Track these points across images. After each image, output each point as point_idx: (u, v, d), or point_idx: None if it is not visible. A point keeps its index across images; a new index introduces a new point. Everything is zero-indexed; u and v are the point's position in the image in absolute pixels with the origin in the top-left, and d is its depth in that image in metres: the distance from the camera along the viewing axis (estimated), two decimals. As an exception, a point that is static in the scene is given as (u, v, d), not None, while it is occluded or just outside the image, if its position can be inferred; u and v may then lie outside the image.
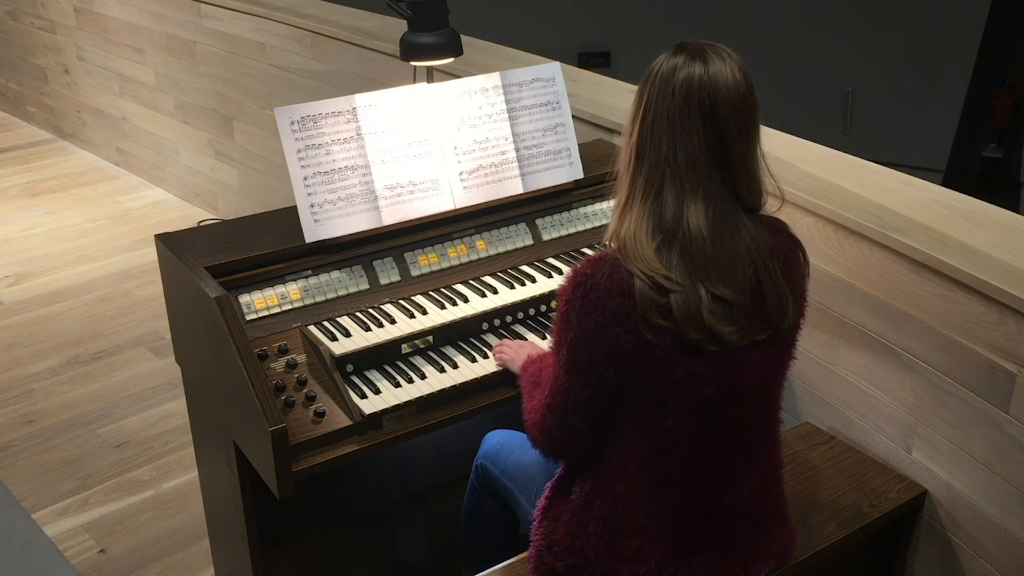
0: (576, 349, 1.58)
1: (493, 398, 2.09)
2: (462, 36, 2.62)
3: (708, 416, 1.61)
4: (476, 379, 2.07)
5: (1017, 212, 2.21)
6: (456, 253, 2.33)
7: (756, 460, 1.73)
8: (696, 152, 1.53)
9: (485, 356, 2.13)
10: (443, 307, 2.19)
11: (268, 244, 2.17)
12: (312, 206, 2.17)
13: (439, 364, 2.10)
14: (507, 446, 2.13)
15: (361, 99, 2.24)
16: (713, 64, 1.53)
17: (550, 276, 2.33)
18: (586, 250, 2.45)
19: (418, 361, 2.11)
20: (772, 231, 1.64)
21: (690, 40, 1.59)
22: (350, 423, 1.94)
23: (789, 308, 1.62)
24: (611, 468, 1.67)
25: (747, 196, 1.59)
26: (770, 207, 1.67)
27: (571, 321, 1.58)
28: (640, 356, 1.54)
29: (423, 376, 2.06)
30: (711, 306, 1.53)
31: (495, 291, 2.26)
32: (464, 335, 2.19)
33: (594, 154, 2.66)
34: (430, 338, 2.14)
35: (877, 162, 2.51)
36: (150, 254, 3.79)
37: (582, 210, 2.51)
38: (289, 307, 2.12)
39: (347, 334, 2.07)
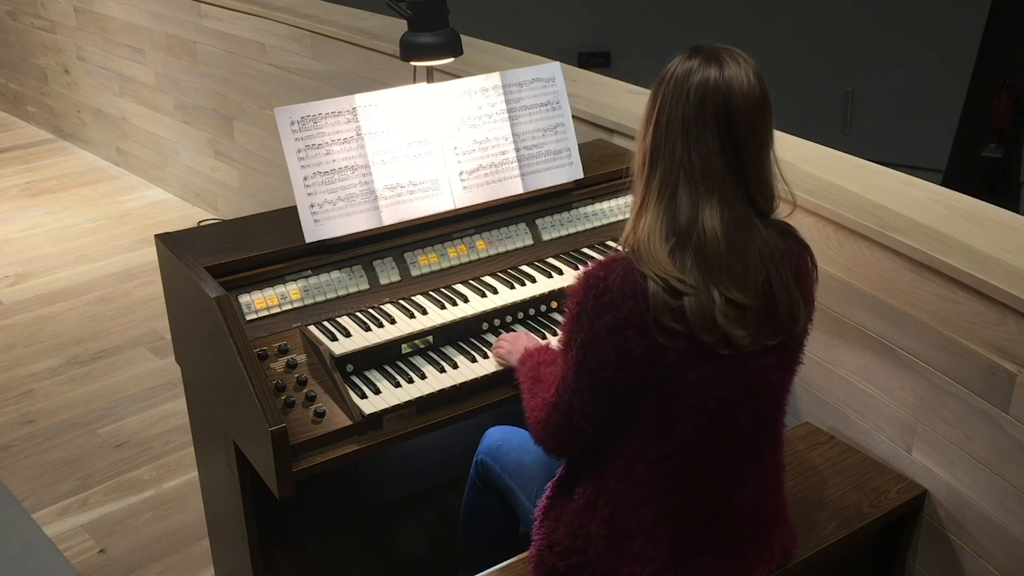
0: (586, 351, 1.58)
1: (493, 398, 2.09)
2: (462, 36, 2.62)
3: (717, 420, 1.61)
4: (476, 379, 2.07)
5: (1017, 212, 2.21)
6: (456, 253, 2.33)
7: (761, 463, 1.73)
8: (711, 155, 1.53)
9: (485, 356, 2.13)
10: (443, 307, 2.19)
11: (268, 244, 2.17)
12: (312, 206, 2.17)
13: (439, 364, 2.10)
14: (508, 442, 2.13)
15: (361, 99, 2.24)
16: (728, 68, 1.53)
17: (550, 276, 2.33)
18: (586, 250, 2.45)
19: (418, 361, 2.11)
20: (783, 235, 1.64)
21: (705, 43, 1.59)
22: (350, 423, 1.94)
23: (801, 313, 1.62)
24: (616, 469, 1.67)
25: (760, 200, 1.59)
26: (781, 212, 1.67)
27: (582, 323, 1.57)
28: (651, 359, 1.54)
29: (423, 376, 2.06)
30: (725, 309, 1.53)
31: (495, 291, 2.26)
32: (464, 335, 2.19)
33: (594, 154, 2.66)
34: (430, 338, 2.14)
35: (877, 162, 2.51)
36: (150, 254, 3.79)
37: (582, 210, 2.51)
38: (289, 307, 2.11)
39: (347, 334, 2.07)
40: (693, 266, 1.53)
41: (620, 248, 1.63)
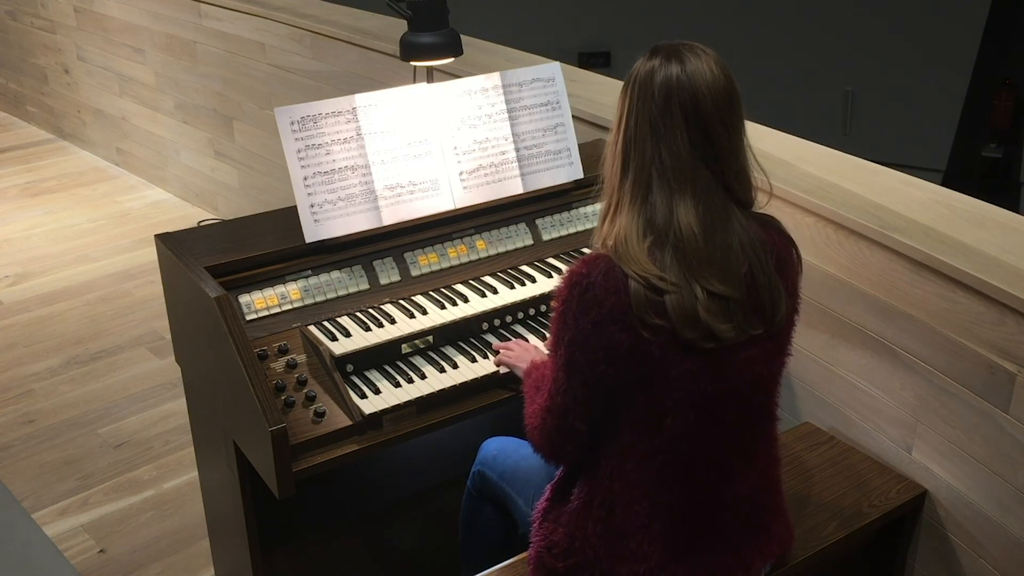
0: (573, 349, 1.58)
1: (493, 398, 2.09)
2: (462, 36, 2.62)
3: (706, 413, 1.61)
4: (476, 379, 2.07)
5: (1017, 212, 2.21)
6: (456, 253, 2.33)
7: (753, 457, 1.73)
8: (681, 151, 1.54)
9: (485, 356, 2.13)
10: (443, 307, 2.19)
11: (268, 244, 2.17)
12: (312, 206, 2.17)
13: (439, 364, 2.10)
14: (504, 451, 2.13)
15: (361, 99, 2.24)
16: (690, 63, 1.54)
17: (550, 276, 2.33)
18: (586, 250, 2.45)
19: (418, 361, 2.11)
20: (764, 227, 1.65)
21: (664, 42, 1.60)
22: (350, 423, 1.94)
23: (781, 300, 1.63)
24: (609, 467, 1.67)
25: (737, 188, 1.60)
26: (759, 202, 1.67)
27: (568, 321, 1.58)
28: (637, 354, 1.55)
29: (423, 376, 2.06)
30: (708, 304, 1.54)
31: (495, 291, 2.26)
32: (464, 335, 2.19)
33: (594, 154, 2.65)
34: (430, 338, 2.14)
35: (877, 162, 2.51)
36: (150, 254, 3.79)
37: (582, 210, 2.51)
38: (289, 307, 2.12)
39: (347, 334, 2.07)
40: (673, 263, 1.54)
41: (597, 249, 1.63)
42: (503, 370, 2.09)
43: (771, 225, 1.67)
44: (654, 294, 1.53)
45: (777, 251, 1.64)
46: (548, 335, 1.68)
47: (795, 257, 1.69)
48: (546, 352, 2.06)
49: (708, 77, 1.54)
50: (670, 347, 1.55)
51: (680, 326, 1.53)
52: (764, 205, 1.69)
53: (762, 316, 1.61)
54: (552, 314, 1.63)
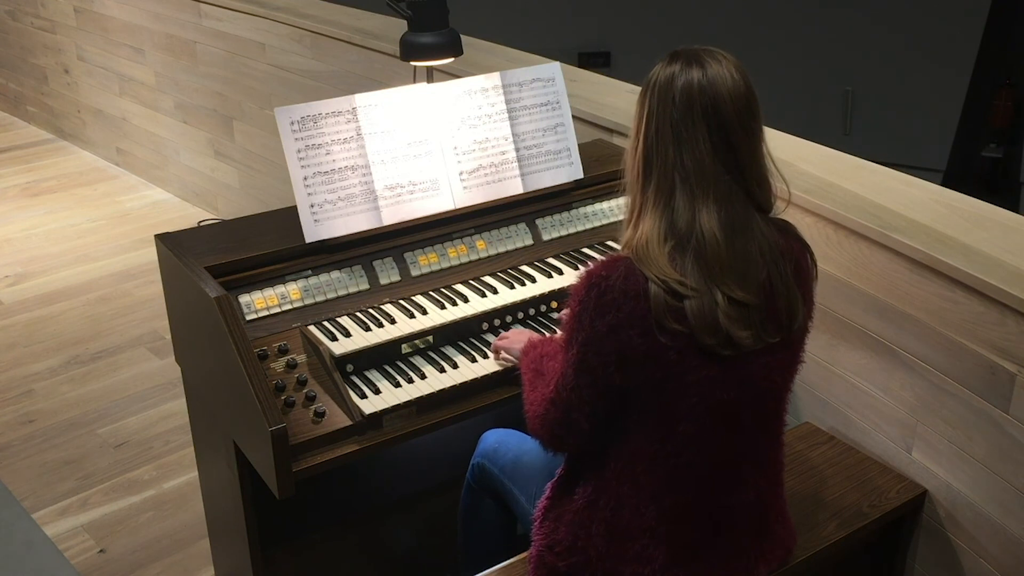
0: (587, 350, 1.58)
1: (493, 398, 2.08)
2: (462, 36, 2.62)
3: (719, 419, 1.61)
4: (476, 379, 2.07)
5: (1017, 212, 2.21)
6: (456, 253, 2.33)
7: (762, 462, 1.73)
8: (703, 156, 1.54)
9: (485, 356, 2.13)
10: (443, 307, 2.19)
11: (268, 244, 2.17)
12: (312, 206, 2.17)
13: (439, 364, 2.10)
14: (504, 444, 2.13)
15: (361, 99, 2.24)
16: (710, 68, 1.54)
17: (550, 276, 2.33)
18: (586, 250, 2.45)
19: (418, 361, 2.11)
20: (782, 233, 1.64)
21: (683, 47, 1.60)
22: (350, 423, 1.94)
23: (799, 310, 1.63)
24: (617, 469, 1.67)
25: (759, 193, 1.59)
26: (776, 208, 1.67)
27: (583, 322, 1.57)
28: (653, 359, 1.54)
29: (423, 376, 2.06)
30: (728, 310, 1.53)
31: (495, 291, 2.26)
32: (464, 335, 2.19)
33: (594, 154, 2.66)
34: (430, 338, 2.14)
35: (877, 162, 2.51)
36: (150, 254, 3.79)
37: (582, 210, 2.51)
38: (289, 307, 2.12)
39: (347, 334, 2.07)
40: (693, 268, 1.53)
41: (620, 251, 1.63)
42: (502, 358, 2.08)
43: (789, 232, 1.67)
44: (674, 299, 1.52)
45: (795, 258, 1.64)
46: (560, 331, 1.66)
47: (810, 263, 1.69)
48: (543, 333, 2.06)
49: (729, 83, 1.54)
50: (687, 353, 1.54)
51: (699, 332, 1.53)
52: (781, 212, 1.69)
53: (779, 324, 1.61)
54: (567, 312, 1.63)
